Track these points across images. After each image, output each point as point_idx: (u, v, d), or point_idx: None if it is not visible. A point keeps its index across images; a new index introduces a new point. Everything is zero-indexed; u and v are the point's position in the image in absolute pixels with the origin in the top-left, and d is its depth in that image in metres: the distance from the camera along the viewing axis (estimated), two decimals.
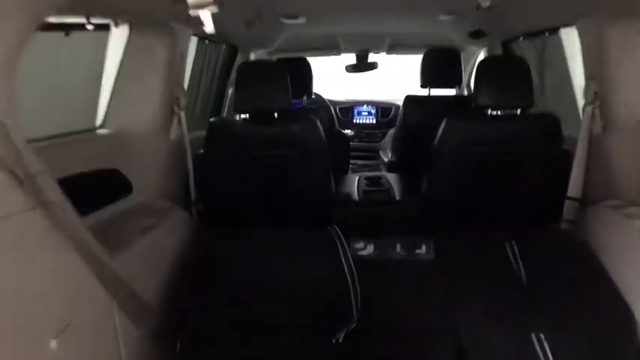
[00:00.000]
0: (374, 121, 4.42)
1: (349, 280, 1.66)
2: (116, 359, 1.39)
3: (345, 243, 1.81)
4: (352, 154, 4.35)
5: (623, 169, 1.93)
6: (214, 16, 2.11)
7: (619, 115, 1.92)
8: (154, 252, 1.67)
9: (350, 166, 4.20)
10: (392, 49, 3.94)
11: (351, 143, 4.33)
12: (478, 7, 1.84)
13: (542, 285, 1.62)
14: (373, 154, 4.32)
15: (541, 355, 1.40)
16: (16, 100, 1.03)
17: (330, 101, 4.37)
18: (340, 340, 1.47)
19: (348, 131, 4.44)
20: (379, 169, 4.04)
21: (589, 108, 1.98)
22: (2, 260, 0.97)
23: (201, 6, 0.98)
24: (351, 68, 4.06)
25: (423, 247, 1.90)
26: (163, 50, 1.92)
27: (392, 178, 2.91)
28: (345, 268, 1.70)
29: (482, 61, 2.10)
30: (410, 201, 2.47)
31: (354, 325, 1.52)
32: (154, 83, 1.93)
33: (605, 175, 1.99)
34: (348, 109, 4.49)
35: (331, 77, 4.98)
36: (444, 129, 2.07)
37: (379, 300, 1.63)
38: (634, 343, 1.46)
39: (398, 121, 3.33)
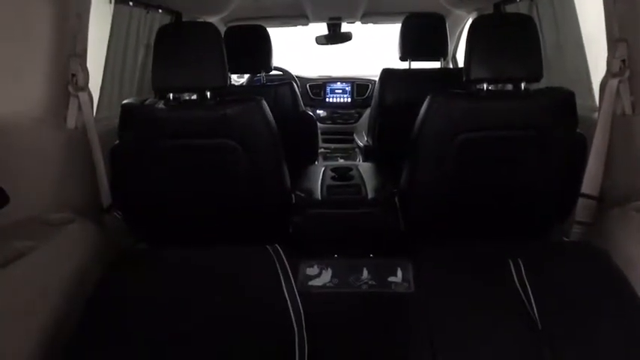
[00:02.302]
0: (349, 100, 3.94)
1: (294, 324, 1.20)
2: None
3: (288, 270, 1.33)
4: (325, 137, 3.89)
5: None
6: None
7: None
8: (22, 290, 1.19)
9: (321, 150, 3.74)
10: (367, 16, 3.43)
11: (323, 125, 3.88)
12: None
13: (561, 322, 1.19)
14: (348, 136, 3.85)
15: None
16: None
17: (300, 78, 3.88)
18: None
19: (320, 111, 3.96)
20: (354, 156, 3.58)
21: (613, 81, 1.53)
22: None
23: None
24: (323, 39, 3.56)
25: (399, 274, 1.44)
26: (48, 9, 1.41)
27: (365, 168, 2.43)
28: (289, 305, 1.23)
29: (474, 22, 1.62)
30: (385, 200, 2.00)
31: None
32: (35, 56, 1.42)
33: (633, 168, 1.55)
34: (320, 86, 3.99)
35: (302, 52, 4.47)
36: (426, 109, 1.60)
37: (335, 351, 1.18)
38: None
39: (373, 98, 2.86)
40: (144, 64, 2.26)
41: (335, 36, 3.54)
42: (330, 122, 3.92)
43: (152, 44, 1.94)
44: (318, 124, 3.56)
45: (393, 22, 3.37)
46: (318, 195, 2.07)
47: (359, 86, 3.91)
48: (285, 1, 3.01)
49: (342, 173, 2.26)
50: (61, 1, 1.44)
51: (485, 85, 1.60)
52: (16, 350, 1.14)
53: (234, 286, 1.29)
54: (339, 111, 3.93)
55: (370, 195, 2.06)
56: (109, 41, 1.94)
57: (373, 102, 2.88)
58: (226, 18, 3.04)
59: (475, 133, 1.58)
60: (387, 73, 2.62)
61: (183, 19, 2.58)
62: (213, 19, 2.92)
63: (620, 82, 1.51)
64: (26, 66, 1.42)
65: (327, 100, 3.98)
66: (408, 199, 1.75)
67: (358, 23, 3.60)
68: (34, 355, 1.17)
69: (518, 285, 1.28)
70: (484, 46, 1.56)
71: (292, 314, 1.21)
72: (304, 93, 3.91)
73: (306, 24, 3.50)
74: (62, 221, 1.47)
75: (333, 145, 3.84)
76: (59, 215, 1.49)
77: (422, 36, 2.61)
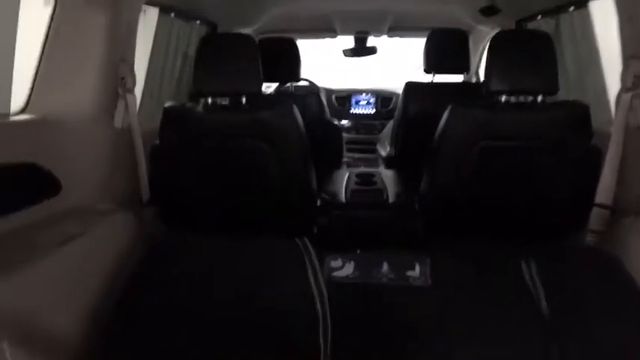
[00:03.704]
0: (373, 111, 4.04)
1: (319, 311, 1.30)
2: None
3: (315, 261, 1.43)
4: (349, 146, 3.99)
5: None
6: None
7: None
8: (75, 269, 1.32)
9: (345, 159, 3.84)
10: (393, 30, 3.55)
11: (348, 135, 3.99)
12: None
13: (569, 318, 1.26)
14: (371, 146, 3.95)
15: None
16: None
17: (326, 89, 4.01)
18: None
19: (345, 122, 4.07)
20: (377, 164, 3.67)
21: (626, 95, 1.61)
22: None
23: None
24: (350, 52, 3.69)
25: (417, 268, 1.53)
26: (102, 19, 1.56)
27: (388, 175, 2.53)
28: (315, 294, 1.34)
29: (495, 36, 1.71)
30: (406, 204, 2.09)
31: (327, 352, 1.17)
32: (91, 60, 1.58)
33: None
34: (345, 97, 4.11)
35: (329, 63, 4.61)
36: (447, 118, 1.70)
37: (356, 337, 1.27)
38: None
39: (397, 110, 2.96)
40: (182, 71, 2.42)
41: (362, 49, 3.66)
42: (354, 132, 4.02)
43: (189, 53, 2.08)
44: (343, 134, 3.69)
45: (419, 36, 3.47)
46: (343, 198, 2.17)
47: (383, 98, 4.02)
48: (314, 15, 3.16)
49: (365, 178, 2.36)
50: (113, 11, 1.59)
51: (503, 97, 1.69)
52: (66, 321, 1.26)
53: (264, 275, 1.40)
54: (363, 122, 4.04)
55: (392, 199, 2.15)
56: (153, 49, 2.09)
57: (397, 113, 2.98)
58: (258, 30, 3.19)
59: (493, 141, 1.67)
60: (411, 86, 2.72)
61: (219, 31, 2.74)
62: (246, 31, 3.07)
63: (633, 96, 1.59)
64: (82, 70, 1.58)
65: (351, 111, 4.09)
66: (428, 201, 1.84)
67: (384, 36, 3.72)
68: (80, 327, 1.29)
69: (529, 282, 1.36)
70: (503, 60, 1.65)
71: (318, 302, 1.31)
72: (330, 104, 4.03)
73: (334, 36, 3.64)
74: (107, 212, 1.61)
75: (356, 155, 3.94)
76: (104, 206, 1.63)
77: (445, 50, 2.71)
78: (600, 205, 1.71)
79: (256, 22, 2.98)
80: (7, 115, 1.47)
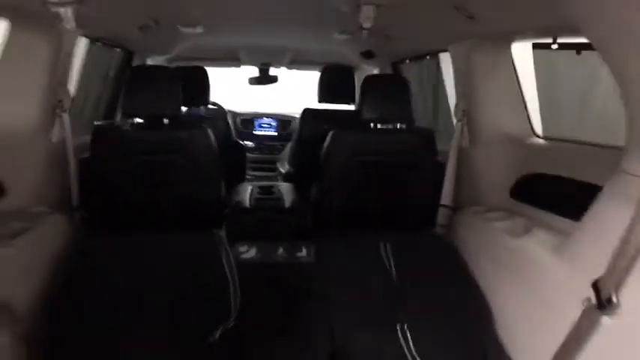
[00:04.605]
0: (275, 133, 4.50)
1: (230, 282, 1.69)
2: None
3: (227, 246, 1.83)
4: (253, 165, 4.40)
5: (486, 178, 2.18)
6: (105, 19, 2.08)
7: (483, 130, 2.16)
8: (23, 257, 1.58)
9: (247, 177, 4.24)
10: (292, 63, 4.06)
11: (252, 155, 4.39)
12: (361, 27, 1.98)
13: (410, 282, 1.78)
14: (272, 165, 4.39)
15: (404, 345, 1.54)
16: None
17: (232, 112, 4.39)
18: (217, 338, 1.49)
19: (248, 142, 4.47)
20: (276, 180, 4.12)
21: (459, 124, 2.21)
22: None
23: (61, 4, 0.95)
24: (254, 80, 4.13)
25: (304, 250, 1.99)
26: (46, 49, 1.84)
27: (285, 187, 2.99)
28: (226, 270, 1.72)
29: (366, 78, 2.26)
30: (299, 208, 2.56)
31: (231, 324, 1.55)
32: (35, 83, 1.85)
33: (472, 184, 2.22)
34: (249, 120, 4.53)
35: (234, 89, 5.00)
36: (330, 140, 2.19)
37: (258, 301, 1.68)
38: (488, 331, 1.64)
39: (295, 132, 3.44)
40: (102, 91, 2.69)
41: (264, 78, 4.12)
42: (257, 152, 4.44)
43: (109, 75, 2.38)
44: (248, 154, 4.10)
45: (314, 69, 4.01)
46: (247, 204, 2.58)
47: (284, 122, 4.50)
48: (222, 47, 3.56)
49: (266, 189, 2.80)
50: (54, 42, 1.87)
51: (372, 124, 2.22)
52: (17, 302, 1.52)
53: (187, 258, 1.76)
54: (266, 143, 4.47)
55: (287, 204, 2.60)
56: (82, 73, 2.36)
57: (294, 135, 3.46)
58: (171, 58, 3.52)
59: (364, 157, 2.18)
60: (307, 112, 3.22)
61: (135, 57, 3.04)
62: (160, 59, 3.39)
63: (462, 124, 2.19)
64: (25, 90, 1.84)
65: (255, 132, 4.51)
66: (318, 206, 2.31)
67: (284, 68, 4.22)
68: (27, 306, 1.55)
69: (384, 258, 1.86)
70: (371, 96, 2.19)
71: (228, 275, 1.70)
72: (235, 125, 4.42)
73: (239, 66, 4.06)
74: (43, 213, 1.86)
75: (258, 173, 4.35)
76: (41, 209, 1.89)
77: (335, 84, 3.25)
78: (443, 205, 2.28)
79: (169, 52, 3.32)
80: None
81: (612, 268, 1.18)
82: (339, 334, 1.59)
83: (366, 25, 1.95)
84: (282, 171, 4.11)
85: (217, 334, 1.50)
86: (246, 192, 2.78)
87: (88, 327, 1.56)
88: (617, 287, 1.19)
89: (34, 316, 1.56)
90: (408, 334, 1.56)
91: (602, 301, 1.21)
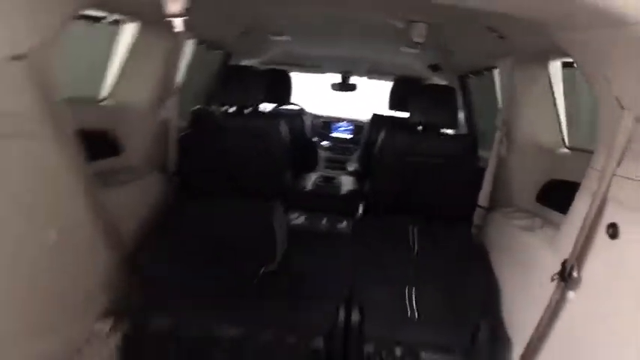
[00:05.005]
0: (350, 136, 4.90)
1: (277, 238, 2.11)
2: (90, 270, 1.83)
3: (281, 212, 2.26)
4: (326, 163, 4.83)
5: (518, 183, 2.40)
6: (209, 27, 2.60)
7: (519, 139, 2.39)
8: (127, 200, 2.12)
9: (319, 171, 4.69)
10: (370, 73, 4.46)
11: (326, 154, 4.83)
12: (415, 42, 2.32)
13: (427, 258, 2.08)
14: (343, 164, 4.79)
15: (407, 302, 1.86)
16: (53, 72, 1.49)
17: (314, 114, 4.87)
18: (263, 275, 1.91)
19: (325, 142, 4.92)
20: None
21: (499, 133, 2.46)
22: (24, 170, 1.42)
23: (174, 15, 1.37)
24: (336, 87, 4.59)
25: (344, 223, 2.37)
26: (162, 48, 2.39)
27: (345, 179, 3.39)
28: (276, 229, 2.15)
29: (414, 87, 2.58)
30: (350, 196, 2.94)
31: (274, 267, 1.97)
32: (152, 73, 2.41)
33: (505, 187, 2.45)
34: (328, 123, 4.98)
35: (318, 94, 5.49)
36: (381, 139, 2.54)
37: (297, 254, 2.08)
38: (486, 304, 1.91)
39: (364, 134, 3.82)
40: (203, 85, 3.26)
41: (345, 85, 4.56)
42: (332, 152, 4.87)
43: (210, 72, 2.90)
44: (323, 152, 4.56)
45: (388, 79, 4.37)
46: (308, 188, 3.00)
47: (358, 126, 4.89)
48: (307, 55, 4.04)
49: (328, 179, 3.20)
50: (170, 43, 2.42)
51: (420, 128, 2.54)
52: (124, 228, 2.04)
53: (249, 217, 2.21)
54: (340, 144, 4.89)
55: (341, 192, 2.99)
56: (188, 66, 2.93)
57: (363, 137, 3.84)
58: (262, 61, 4.07)
59: (410, 156, 2.50)
60: (375, 117, 3.59)
61: (233, 58, 3.60)
62: (253, 61, 3.95)
63: (502, 135, 2.44)
64: (145, 78, 2.40)
65: (332, 134, 4.95)
66: (367, 195, 2.67)
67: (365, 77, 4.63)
68: (129, 238, 2.07)
69: (410, 239, 2.17)
70: (418, 103, 2.50)
71: (277, 233, 2.12)
72: (316, 126, 4.89)
73: (322, 73, 4.53)
74: (147, 172, 2.41)
75: (330, 171, 4.78)
76: (146, 167, 2.43)
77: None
78: (479, 206, 2.53)
79: (261, 56, 3.86)
80: (96, 100, 2.29)
81: (575, 249, 1.43)
82: (357, 287, 1.94)
83: (418, 40, 2.29)
84: (350, 169, 4.50)
85: (262, 272, 1.93)
86: (311, 179, 3.21)
87: (173, 260, 2.05)
88: (579, 265, 1.43)
89: (134, 245, 2.08)
90: (413, 294, 1.87)
91: (565, 277, 1.46)
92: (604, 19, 1.11)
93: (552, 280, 1.51)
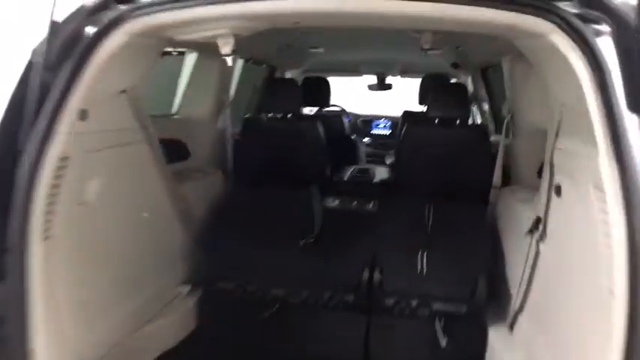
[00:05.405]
0: (388, 132, 5.33)
1: (315, 215, 2.60)
2: (171, 245, 2.39)
3: (319, 197, 2.74)
4: (368, 159, 5.29)
5: (523, 163, 2.75)
6: (254, 46, 3.13)
7: (522, 126, 2.74)
8: (198, 191, 2.68)
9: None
10: (403, 73, 4.87)
11: (367, 149, 5.28)
12: (422, 48, 2.72)
13: (439, 229, 2.49)
14: (382, 159, 5.22)
15: (419, 262, 2.28)
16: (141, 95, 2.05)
17: (354, 114, 5.34)
18: (303, 245, 2.42)
19: (366, 139, 5.37)
20: None
21: (505, 121, 2.82)
22: (128, 168, 1.99)
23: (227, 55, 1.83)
24: (373, 87, 5.04)
25: (372, 204, 2.82)
26: (216, 68, 2.94)
27: (380, 170, 3.84)
28: (314, 209, 2.64)
29: (430, 85, 2.99)
30: (382, 182, 3.39)
31: (312, 239, 2.47)
32: (210, 90, 2.97)
33: (514, 168, 2.81)
34: (368, 121, 5.44)
35: (357, 94, 5.96)
36: (403, 132, 2.97)
37: (331, 229, 2.55)
38: (487, 263, 2.31)
39: (398, 130, 4.24)
40: (252, 96, 3.82)
41: (381, 85, 4.99)
42: (372, 147, 5.31)
43: (256, 85, 3.45)
44: (365, 148, 5.03)
45: (418, 77, 4.76)
46: (345, 178, 3.48)
47: (396, 123, 5.30)
48: (343, 61, 4.52)
49: (363, 170, 3.67)
50: (221, 63, 2.95)
51: (437, 120, 2.94)
52: (193, 214, 2.59)
53: (291, 201, 2.72)
54: (380, 140, 5.33)
55: (374, 180, 3.44)
56: (238, 81, 3.49)
57: (397, 132, 4.27)
58: (303, 70, 4.59)
59: (429, 147, 2.90)
60: (406, 113, 4.01)
61: (277, 71, 4.14)
62: (295, 72, 4.48)
63: (508, 121, 2.79)
64: (205, 94, 2.97)
65: (372, 131, 5.39)
66: (395, 180, 3.11)
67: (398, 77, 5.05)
68: (198, 219, 2.62)
69: (426, 215, 2.58)
70: (434, 98, 2.91)
71: (315, 212, 2.61)
72: (355, 124, 5.36)
73: (360, 75, 4.99)
74: (211, 171, 2.97)
75: (371, 165, 5.23)
76: (209, 169, 3.00)
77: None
78: (494, 187, 2.90)
79: (302, 66, 4.38)
80: (170, 115, 2.89)
81: (541, 208, 1.81)
82: (379, 253, 2.40)
83: (426, 46, 2.70)
84: (387, 162, 4.93)
85: (303, 243, 2.43)
86: (349, 171, 3.70)
87: (234, 236, 2.57)
88: (545, 220, 1.81)
89: (203, 226, 2.64)
90: (425, 257, 2.30)
91: (533, 230, 1.84)
92: (523, 33, 1.52)
93: (526, 235, 1.90)
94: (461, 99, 2.90)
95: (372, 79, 4.99)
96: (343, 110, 4.85)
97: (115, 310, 1.95)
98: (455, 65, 3.86)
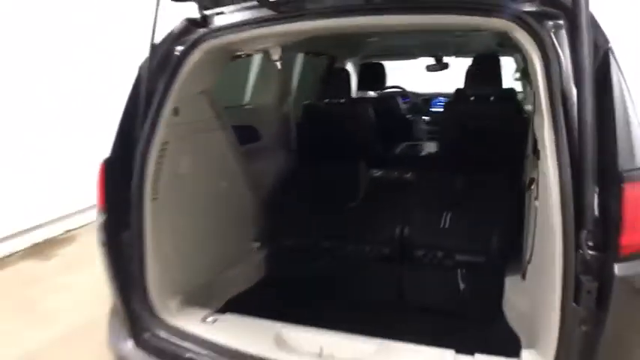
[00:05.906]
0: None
1: (360, 183, 3.11)
2: (244, 210, 3.01)
3: (364, 168, 3.25)
4: (428, 136, 5.64)
5: None
6: (313, 40, 3.65)
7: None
8: (269, 166, 3.28)
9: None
10: (457, 53, 5.13)
11: (426, 127, 5.63)
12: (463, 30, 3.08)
13: (466, 194, 2.88)
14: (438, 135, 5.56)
15: (442, 222, 2.72)
16: (216, 92, 2.65)
17: (414, 93, 5.70)
18: (349, 208, 2.94)
19: (426, 117, 5.71)
20: None
21: (534, 94, 3.11)
22: (210, 149, 2.61)
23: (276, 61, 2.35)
24: (430, 68, 5.35)
25: (410, 174, 3.27)
26: (278, 65, 3.50)
27: (430, 144, 4.23)
28: (360, 178, 3.15)
29: (471, 64, 3.33)
30: (427, 155, 3.81)
31: (357, 203, 2.98)
32: (274, 82, 3.54)
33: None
34: (427, 100, 5.77)
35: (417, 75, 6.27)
36: (443, 109, 3.36)
37: (373, 193, 3.05)
38: (498, 218, 2.68)
39: None
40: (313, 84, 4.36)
41: (439, 65, 5.30)
42: (432, 125, 5.64)
43: (317, 74, 3.99)
44: (424, 126, 5.39)
45: (469, 57, 5.01)
46: (396, 152, 3.95)
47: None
48: (400, 45, 4.90)
49: (413, 146, 4.10)
50: (285, 61, 3.51)
51: (472, 97, 3.29)
52: (262, 181, 3.20)
53: (343, 171, 3.24)
54: (437, 118, 5.64)
55: (421, 154, 3.86)
56: (301, 72, 4.03)
57: None
58: (360, 57, 5.04)
59: (465, 121, 3.26)
60: (458, 90, 4.34)
61: (337, 61, 4.63)
62: (353, 59, 4.94)
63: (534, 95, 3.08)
64: (271, 85, 3.55)
65: (431, 109, 5.72)
66: (435, 154, 3.51)
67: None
68: (266, 186, 3.22)
69: (457, 185, 2.98)
70: (469, 77, 3.26)
71: (361, 180, 3.11)
72: (416, 103, 5.72)
73: (415, 58, 5.33)
74: (277, 149, 3.56)
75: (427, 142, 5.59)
76: (277, 147, 3.59)
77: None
78: (527, 156, 3.20)
79: (360, 54, 4.83)
80: (243, 105, 3.51)
81: (533, 169, 2.18)
82: (409, 213, 2.86)
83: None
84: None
85: (349, 206, 2.96)
86: (401, 146, 4.15)
87: (296, 201, 3.15)
88: (537, 181, 2.17)
89: (271, 194, 3.24)
90: (448, 217, 2.72)
91: (526, 188, 2.21)
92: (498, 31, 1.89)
93: (527, 194, 2.27)
94: (494, 73, 3.22)
95: (430, 61, 5.31)
96: (404, 91, 5.24)
97: (201, 256, 2.59)
98: (500, 44, 4.11)
